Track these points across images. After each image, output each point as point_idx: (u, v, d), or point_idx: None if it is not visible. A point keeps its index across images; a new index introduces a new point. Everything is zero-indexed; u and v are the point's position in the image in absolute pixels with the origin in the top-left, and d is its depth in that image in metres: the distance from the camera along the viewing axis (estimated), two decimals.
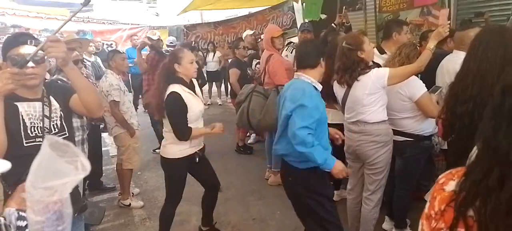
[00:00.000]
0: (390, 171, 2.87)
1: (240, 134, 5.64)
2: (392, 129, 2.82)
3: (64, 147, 1.10)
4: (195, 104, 2.92)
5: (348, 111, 2.86)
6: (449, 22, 3.00)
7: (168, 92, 2.83)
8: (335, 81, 2.92)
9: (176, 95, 2.81)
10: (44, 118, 1.81)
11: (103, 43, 8.67)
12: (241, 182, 4.65)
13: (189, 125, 2.88)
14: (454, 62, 2.79)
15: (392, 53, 2.98)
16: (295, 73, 2.58)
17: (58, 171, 1.06)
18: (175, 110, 2.84)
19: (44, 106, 1.84)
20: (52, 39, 1.68)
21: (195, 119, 2.94)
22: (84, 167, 1.08)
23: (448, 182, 0.83)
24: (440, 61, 3.17)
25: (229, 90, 7.23)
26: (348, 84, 2.79)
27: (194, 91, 2.98)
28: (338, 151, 2.78)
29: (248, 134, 6.01)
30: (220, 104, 9.50)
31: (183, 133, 2.87)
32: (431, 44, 2.75)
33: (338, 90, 2.93)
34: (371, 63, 2.89)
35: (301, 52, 2.54)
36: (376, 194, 2.87)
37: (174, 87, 2.84)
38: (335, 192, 3.83)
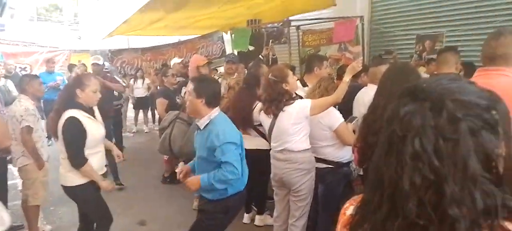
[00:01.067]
0: (314, 197, 3.02)
1: (165, 165, 5.46)
2: (315, 157, 2.98)
3: None
4: (94, 129, 2.81)
5: (274, 140, 2.97)
6: (362, 58, 3.32)
7: (66, 117, 2.70)
8: (262, 111, 3.03)
9: (74, 120, 2.69)
10: None
11: (16, 66, 7.93)
12: (167, 214, 4.47)
13: (88, 150, 2.76)
14: (368, 94, 3.06)
15: (313, 86, 3.20)
16: None
17: None
18: (73, 136, 2.71)
19: None
20: None
21: (94, 144, 2.81)
22: (3, 221, 0.97)
23: (349, 207, 0.91)
24: (356, 93, 3.47)
25: (156, 117, 7.03)
26: (274, 115, 2.91)
27: (94, 117, 2.88)
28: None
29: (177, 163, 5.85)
30: (146, 132, 9.16)
31: (77, 159, 2.72)
32: (347, 77, 2.99)
33: (265, 120, 3.03)
34: (295, 94, 3.06)
35: None
36: (301, 220, 2.98)
37: (72, 112, 2.72)
38: (246, 215, 3.99)
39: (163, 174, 5.50)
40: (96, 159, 2.84)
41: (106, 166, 3.27)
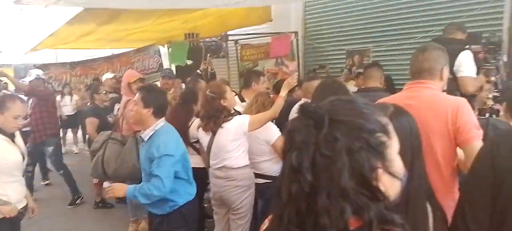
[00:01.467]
0: (254, 213, 3.01)
1: (96, 188, 5.11)
2: (254, 173, 2.98)
3: None
4: (9, 153, 2.55)
5: (213, 158, 2.92)
6: (297, 73, 3.43)
7: None
8: (200, 128, 2.98)
9: None
10: None
11: None
12: None
13: (2, 177, 2.50)
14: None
15: (250, 101, 3.22)
16: None
17: None
18: None
19: None
20: None
21: (9, 171, 2.54)
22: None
23: (266, 222, 0.94)
24: (292, 107, 3.56)
25: (86, 137, 6.57)
26: (213, 131, 2.87)
27: (13, 141, 2.63)
28: None
29: None
30: (76, 153, 8.55)
31: None
32: (283, 92, 3.06)
33: (203, 137, 2.98)
34: (233, 110, 3.06)
35: None
36: None
37: None
38: None
39: (95, 199, 5.14)
40: (11, 189, 2.55)
41: None
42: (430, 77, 1.95)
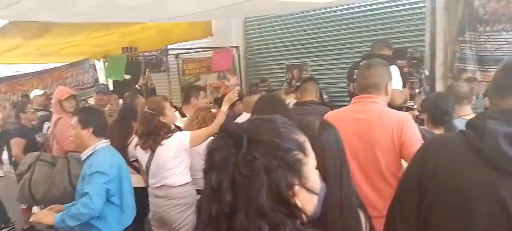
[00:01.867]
0: None
1: (23, 215, 4.69)
2: (196, 189, 2.93)
3: None
4: None
5: (152, 177, 2.82)
6: (238, 87, 3.46)
7: None
8: (138, 146, 2.87)
9: None
10: None
11: None
12: None
13: None
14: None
15: (191, 117, 3.18)
16: None
17: None
18: None
19: None
20: None
21: None
22: None
23: None
24: (233, 121, 3.58)
25: (12, 159, 6.01)
26: (152, 149, 2.78)
27: None
28: None
29: None
30: (1, 177, 7.80)
31: None
32: (224, 107, 3.07)
33: (142, 155, 2.88)
34: (173, 126, 2.99)
35: None
36: None
37: None
38: None
39: (22, 227, 4.69)
40: None
41: None
42: (376, 92, 2.05)
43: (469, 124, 1.24)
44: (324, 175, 0.95)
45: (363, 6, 5.25)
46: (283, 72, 6.15)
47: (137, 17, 4.97)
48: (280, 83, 6.05)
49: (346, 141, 2.03)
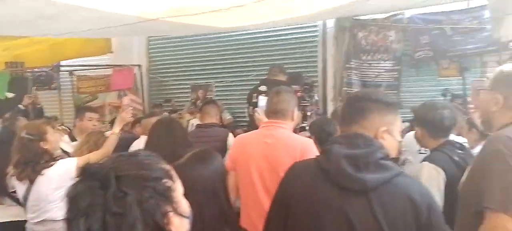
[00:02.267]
0: None
1: None
2: None
3: None
4: None
5: (31, 211, 2.53)
6: (131, 108, 3.28)
7: None
8: (14, 177, 2.55)
9: None
10: None
11: None
12: None
13: None
14: (136, 146, 3.08)
15: (81, 141, 2.95)
16: None
17: None
18: None
19: None
20: None
21: None
22: None
23: None
24: (130, 144, 3.41)
25: None
26: (30, 180, 2.49)
27: None
28: None
29: None
30: None
31: None
32: (116, 128, 2.90)
33: (18, 186, 2.56)
34: (61, 151, 2.74)
35: None
36: None
37: None
38: None
39: None
40: None
41: None
42: (283, 118, 2.20)
43: (322, 149, 1.38)
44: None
45: (262, 32, 5.52)
46: (188, 92, 6.10)
47: (24, 31, 4.47)
48: (185, 104, 5.98)
49: (255, 162, 2.14)
